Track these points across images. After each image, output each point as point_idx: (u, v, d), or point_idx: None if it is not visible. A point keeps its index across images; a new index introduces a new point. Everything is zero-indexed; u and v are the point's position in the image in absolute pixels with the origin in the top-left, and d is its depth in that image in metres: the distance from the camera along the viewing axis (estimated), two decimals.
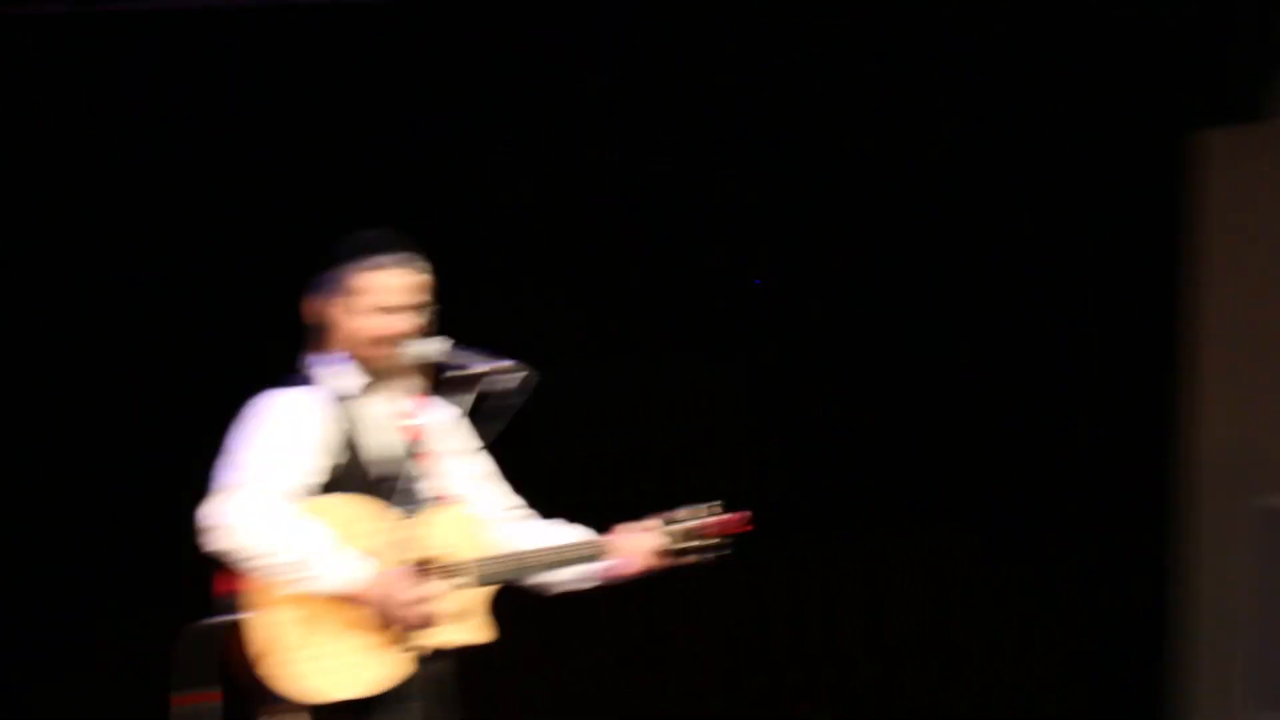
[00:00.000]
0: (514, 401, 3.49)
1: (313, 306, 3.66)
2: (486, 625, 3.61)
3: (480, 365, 3.52)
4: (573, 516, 3.89)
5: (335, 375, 3.64)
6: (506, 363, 3.52)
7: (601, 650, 7.25)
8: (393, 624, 3.46)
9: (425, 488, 3.62)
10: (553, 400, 3.81)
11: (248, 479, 3.45)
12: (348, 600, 3.45)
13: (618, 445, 7.06)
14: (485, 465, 3.82)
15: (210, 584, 3.48)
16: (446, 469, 3.69)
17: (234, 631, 3.43)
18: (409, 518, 3.52)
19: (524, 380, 3.50)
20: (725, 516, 3.87)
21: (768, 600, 6.72)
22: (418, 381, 3.67)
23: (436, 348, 3.59)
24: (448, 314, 3.71)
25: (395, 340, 3.59)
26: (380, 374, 3.63)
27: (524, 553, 3.70)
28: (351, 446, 3.59)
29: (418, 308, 3.63)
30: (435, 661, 3.58)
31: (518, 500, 3.86)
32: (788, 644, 6.66)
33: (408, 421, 3.63)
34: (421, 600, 3.46)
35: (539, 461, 4.10)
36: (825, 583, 6.66)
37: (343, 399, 3.62)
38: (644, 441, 7.02)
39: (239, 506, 3.42)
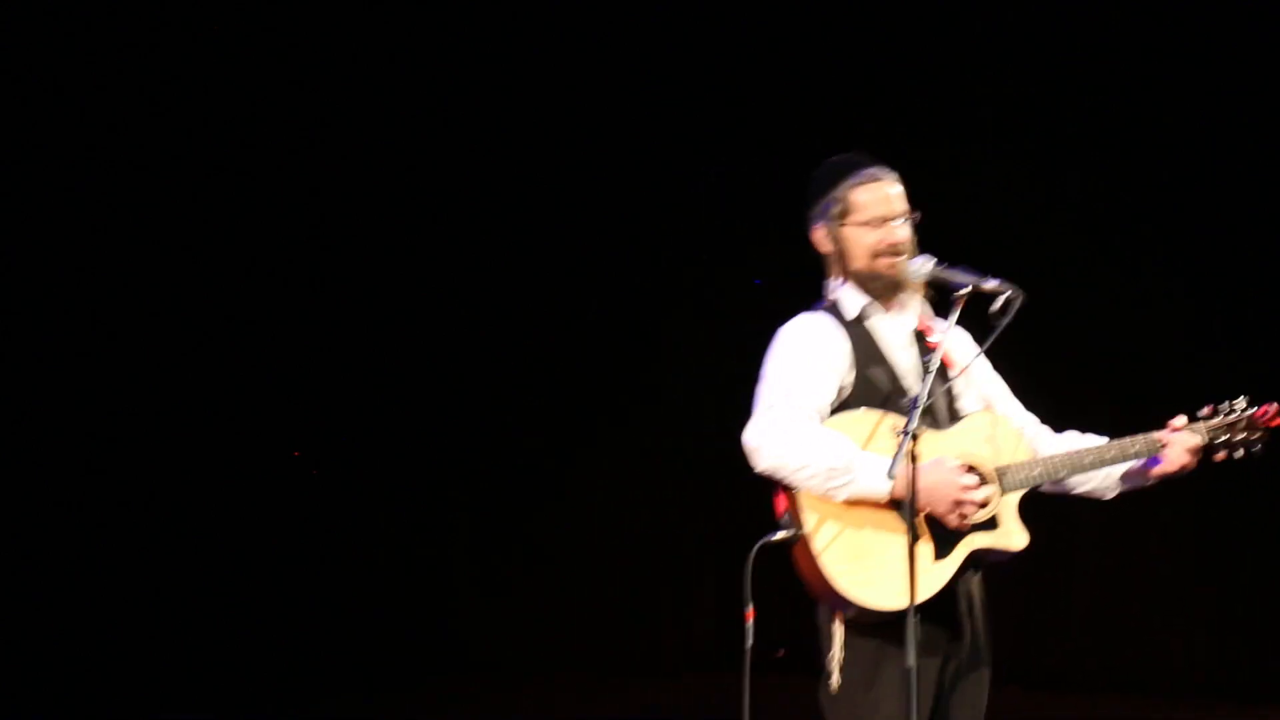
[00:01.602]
0: (1004, 320, 3.54)
1: (816, 235, 3.81)
2: (1022, 532, 3.64)
3: (971, 283, 3.61)
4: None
5: (846, 298, 3.77)
6: (994, 281, 3.59)
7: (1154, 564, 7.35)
8: (940, 517, 3.53)
9: (945, 400, 3.73)
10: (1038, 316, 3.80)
11: (777, 400, 3.61)
12: (892, 503, 3.54)
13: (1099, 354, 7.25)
14: (996, 378, 3.88)
15: (771, 503, 3.65)
16: (963, 382, 3.76)
17: (797, 546, 3.59)
18: (931, 430, 3.60)
19: (1012, 297, 3.56)
20: (1258, 410, 3.77)
21: None
22: (920, 299, 3.79)
23: (926, 266, 3.70)
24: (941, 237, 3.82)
25: (893, 250, 3.72)
26: (885, 292, 3.74)
27: (1079, 451, 3.70)
28: (868, 364, 3.70)
29: (905, 217, 3.75)
30: (974, 571, 3.67)
31: (1030, 415, 3.89)
32: None
33: (921, 338, 3.75)
34: (966, 491, 3.54)
35: (1036, 374, 4.15)
36: None
37: (856, 320, 3.74)
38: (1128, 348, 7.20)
39: (771, 425, 3.58)
